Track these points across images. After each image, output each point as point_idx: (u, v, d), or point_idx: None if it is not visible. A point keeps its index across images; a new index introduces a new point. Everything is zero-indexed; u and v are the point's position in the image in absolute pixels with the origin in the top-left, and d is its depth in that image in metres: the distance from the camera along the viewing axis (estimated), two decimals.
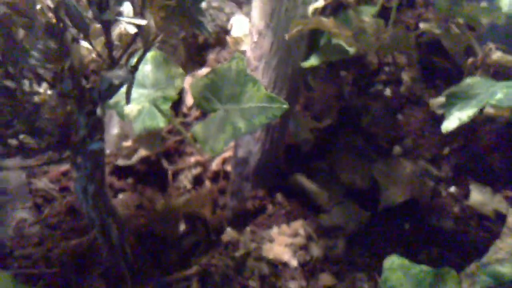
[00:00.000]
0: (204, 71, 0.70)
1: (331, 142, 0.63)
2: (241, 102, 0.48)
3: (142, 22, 0.36)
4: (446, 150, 0.62)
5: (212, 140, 0.48)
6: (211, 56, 0.73)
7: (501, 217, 0.55)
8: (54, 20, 0.37)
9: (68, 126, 0.41)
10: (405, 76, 0.67)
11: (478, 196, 0.57)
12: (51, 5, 0.36)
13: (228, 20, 0.73)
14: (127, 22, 0.36)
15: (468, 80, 0.48)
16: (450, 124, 0.43)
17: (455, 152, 0.62)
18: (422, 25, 0.60)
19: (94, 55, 0.39)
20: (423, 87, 0.67)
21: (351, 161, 0.62)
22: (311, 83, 0.59)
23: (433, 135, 0.63)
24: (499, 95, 0.42)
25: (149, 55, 0.54)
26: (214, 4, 0.71)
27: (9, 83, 0.36)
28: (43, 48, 0.36)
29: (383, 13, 0.64)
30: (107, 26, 0.38)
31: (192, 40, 0.71)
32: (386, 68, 0.68)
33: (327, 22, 0.48)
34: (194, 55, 0.73)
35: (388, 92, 0.67)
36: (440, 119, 0.59)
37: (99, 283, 0.54)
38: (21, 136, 0.41)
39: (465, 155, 0.61)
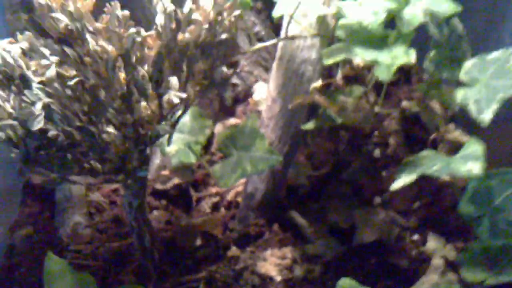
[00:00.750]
0: (232, 120, 0.88)
1: (324, 188, 0.79)
2: (250, 151, 0.65)
3: (183, 95, 0.54)
4: (416, 205, 0.77)
5: (226, 177, 0.64)
6: (239, 109, 0.91)
7: (448, 263, 0.69)
8: (125, 87, 0.55)
9: (125, 158, 0.58)
10: (392, 140, 0.82)
11: (433, 244, 0.71)
12: (125, 78, 0.54)
13: (256, 81, 0.91)
14: (173, 95, 0.54)
15: (423, 153, 0.64)
16: (396, 185, 0.59)
17: (423, 207, 0.77)
18: (404, 103, 0.76)
19: (149, 112, 0.57)
20: (406, 151, 0.82)
21: (338, 205, 0.77)
22: (308, 141, 0.75)
23: (409, 191, 0.78)
24: (435, 168, 0.58)
25: (190, 110, 0.72)
26: (246, 68, 0.89)
27: (91, 127, 0.54)
28: (116, 106, 0.54)
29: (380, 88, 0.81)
30: (160, 95, 0.55)
31: (222, 96, 0.89)
32: (377, 133, 0.84)
33: (320, 99, 0.65)
34: (226, 107, 0.91)
35: (377, 152, 0.83)
36: None
37: (131, 277, 0.71)
38: (92, 162, 0.59)
39: (430, 210, 0.76)
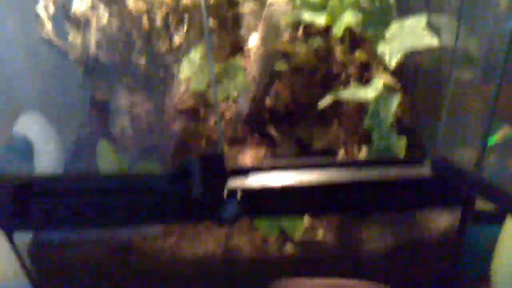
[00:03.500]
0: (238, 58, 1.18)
1: (296, 112, 1.09)
2: (234, 80, 0.97)
3: (182, 39, 0.85)
4: (360, 126, 1.06)
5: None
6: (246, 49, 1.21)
7: None
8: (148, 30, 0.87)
9: (148, 77, 0.91)
10: (352, 81, 1.10)
11: (363, 151, 1.00)
12: (148, 25, 0.86)
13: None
14: (177, 38, 0.85)
15: (352, 85, 0.93)
16: (321, 103, 0.88)
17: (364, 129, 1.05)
18: (356, 53, 1.04)
19: (164, 48, 0.89)
20: None
21: (304, 124, 1.07)
22: (282, 77, 1.05)
23: (356, 116, 1.07)
24: (346, 94, 0.86)
25: (199, 49, 1.04)
26: (252, 23, 1.19)
27: (126, 54, 0.87)
28: (141, 43, 0.87)
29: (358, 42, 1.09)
30: (170, 38, 0.87)
31: (233, 41, 1.20)
32: (343, 75, 1.12)
33: (284, 46, 0.94)
34: (237, 50, 1.21)
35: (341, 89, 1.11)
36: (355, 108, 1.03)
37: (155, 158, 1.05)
38: (130, 80, 0.92)
39: None
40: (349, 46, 1.09)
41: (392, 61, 0.87)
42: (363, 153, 1.00)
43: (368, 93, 0.84)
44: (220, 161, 0.70)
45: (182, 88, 1.17)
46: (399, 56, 0.87)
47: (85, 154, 1.10)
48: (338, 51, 1.06)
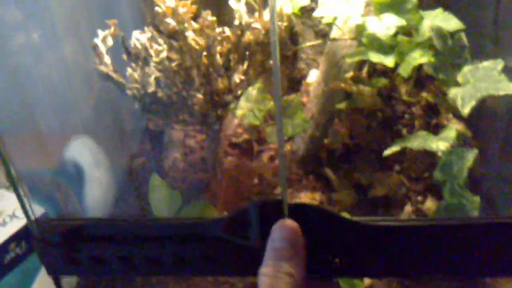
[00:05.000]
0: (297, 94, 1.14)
1: (355, 154, 1.04)
2: (292, 118, 0.92)
3: (242, 77, 0.82)
4: (425, 174, 0.99)
5: (272, 136, 0.92)
6: (303, 87, 1.17)
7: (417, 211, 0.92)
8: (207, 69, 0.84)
9: (205, 115, 0.88)
10: (416, 123, 1.04)
11: (429, 203, 0.93)
12: (207, 63, 0.83)
13: (318, 66, 1.16)
14: (236, 77, 0.81)
15: (419, 132, 0.86)
16: (387, 152, 0.82)
17: (430, 176, 0.98)
18: (423, 93, 0.98)
19: (222, 86, 0.85)
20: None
21: (363, 168, 1.01)
22: (342, 117, 1.00)
23: (421, 164, 1.00)
24: (416, 143, 0.80)
25: (257, 85, 1.00)
26: (311, 56, 1.15)
27: (183, 92, 0.84)
28: (201, 80, 0.83)
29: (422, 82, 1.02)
30: (229, 76, 0.84)
31: (291, 75, 1.16)
32: (406, 116, 1.06)
33: (345, 85, 0.89)
34: (294, 84, 1.17)
35: (404, 131, 1.05)
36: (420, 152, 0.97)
37: (206, 198, 1.01)
38: (186, 117, 0.89)
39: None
40: (414, 86, 1.03)
41: (466, 109, 0.80)
42: (428, 204, 0.93)
43: (440, 144, 0.77)
44: (281, 209, 0.65)
45: (236, 122, 1.14)
46: (473, 102, 0.81)
47: (136, 185, 1.07)
48: (403, 91, 1.00)
